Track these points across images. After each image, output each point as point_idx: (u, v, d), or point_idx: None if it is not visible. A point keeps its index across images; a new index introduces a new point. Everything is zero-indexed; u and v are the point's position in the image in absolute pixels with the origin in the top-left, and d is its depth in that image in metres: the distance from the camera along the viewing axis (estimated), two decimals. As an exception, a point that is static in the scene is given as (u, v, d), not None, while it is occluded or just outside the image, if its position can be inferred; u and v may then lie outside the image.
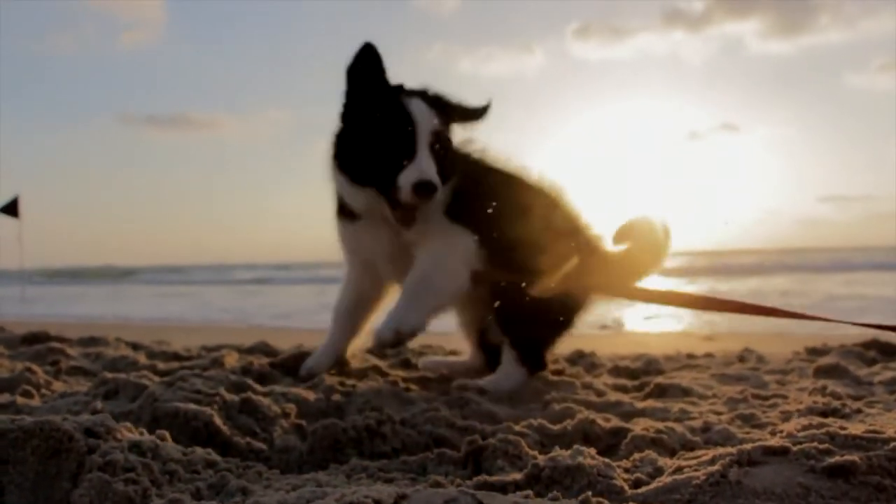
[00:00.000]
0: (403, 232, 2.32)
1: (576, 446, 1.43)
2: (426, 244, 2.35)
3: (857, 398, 2.24)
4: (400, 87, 2.33)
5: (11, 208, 12.62)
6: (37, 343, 3.55)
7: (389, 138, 2.22)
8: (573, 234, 2.52)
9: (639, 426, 1.84)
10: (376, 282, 2.64)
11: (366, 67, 2.28)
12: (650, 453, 1.54)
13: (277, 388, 2.27)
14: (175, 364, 2.95)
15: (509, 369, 2.49)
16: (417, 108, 2.24)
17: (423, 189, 2.14)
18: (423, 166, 2.16)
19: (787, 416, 1.94)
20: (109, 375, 2.26)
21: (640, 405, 2.18)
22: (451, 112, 2.37)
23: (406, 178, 2.16)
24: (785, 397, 2.30)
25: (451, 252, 2.35)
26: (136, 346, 3.72)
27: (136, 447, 1.46)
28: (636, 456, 1.54)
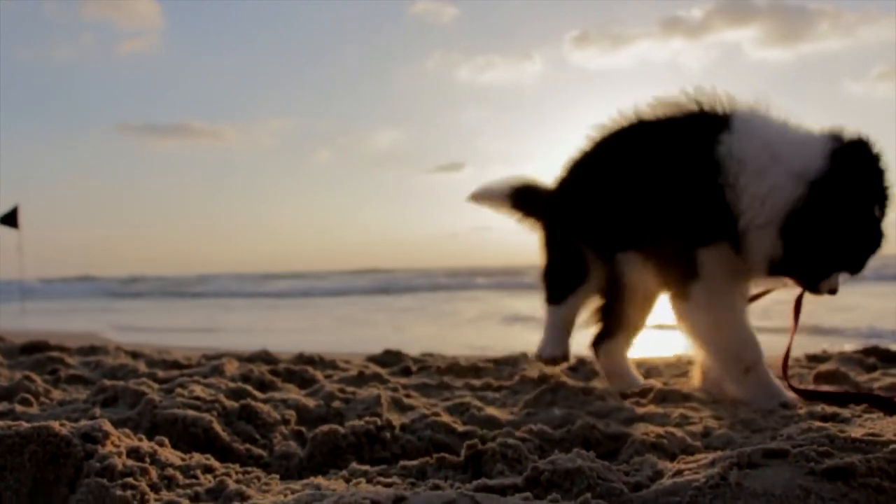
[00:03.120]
0: None
1: (575, 450, 1.43)
2: None
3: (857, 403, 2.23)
4: None
5: (11, 218, 12.65)
6: (36, 352, 3.55)
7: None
8: None
9: (639, 431, 1.83)
10: None
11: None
12: (650, 457, 1.54)
13: (277, 395, 2.27)
14: (175, 372, 2.95)
15: None
16: None
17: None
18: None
19: (787, 421, 1.94)
20: (108, 383, 2.26)
21: (640, 411, 2.18)
22: None
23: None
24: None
25: None
26: (135, 355, 3.72)
27: (134, 452, 1.46)
28: (636, 460, 1.53)
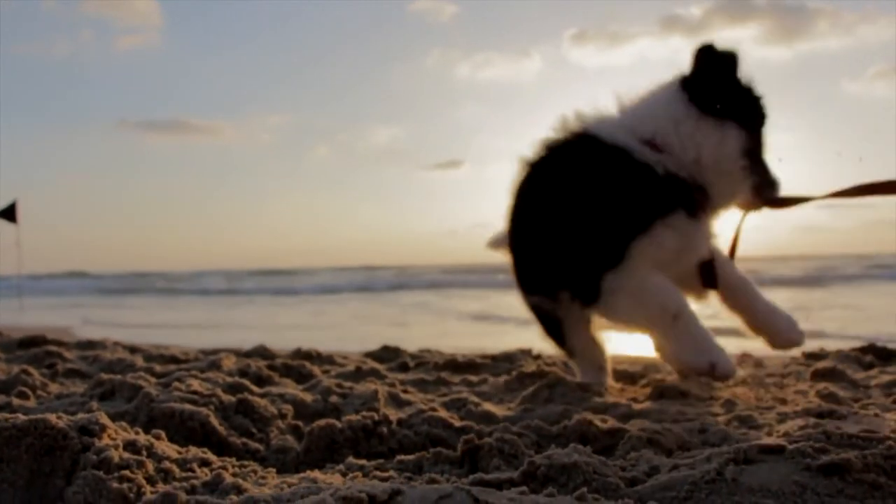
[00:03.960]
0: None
1: (572, 445, 1.43)
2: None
3: (853, 400, 2.23)
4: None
5: (9, 213, 12.60)
6: (34, 347, 3.55)
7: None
8: None
9: (636, 427, 1.83)
10: None
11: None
12: (647, 452, 1.54)
13: (274, 390, 2.27)
14: (172, 367, 2.95)
15: None
16: None
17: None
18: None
19: (784, 418, 1.94)
20: (105, 377, 2.26)
21: (637, 407, 2.18)
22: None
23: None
24: (782, 400, 2.30)
25: None
26: (133, 349, 3.72)
27: (130, 445, 1.46)
28: (632, 455, 1.53)
